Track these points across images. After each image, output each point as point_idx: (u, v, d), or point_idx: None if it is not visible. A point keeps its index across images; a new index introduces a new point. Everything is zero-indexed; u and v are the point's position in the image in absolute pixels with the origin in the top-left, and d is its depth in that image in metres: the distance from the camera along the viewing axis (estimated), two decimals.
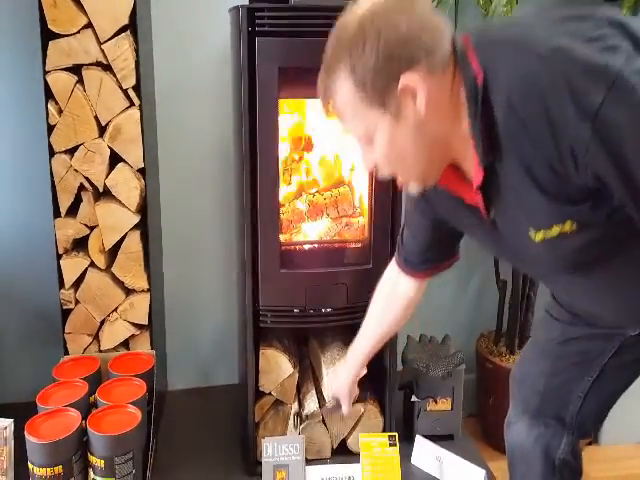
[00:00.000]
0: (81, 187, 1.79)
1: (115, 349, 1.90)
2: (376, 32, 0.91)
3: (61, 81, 1.70)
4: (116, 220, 1.80)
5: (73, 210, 1.80)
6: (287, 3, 1.73)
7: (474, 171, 0.98)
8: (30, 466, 1.51)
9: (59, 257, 1.81)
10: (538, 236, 0.97)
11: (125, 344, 1.91)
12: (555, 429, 1.36)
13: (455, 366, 1.93)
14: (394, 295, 1.45)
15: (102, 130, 1.76)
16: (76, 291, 1.84)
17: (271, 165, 1.65)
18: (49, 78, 1.70)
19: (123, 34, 1.69)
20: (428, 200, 1.22)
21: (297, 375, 1.85)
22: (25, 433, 1.50)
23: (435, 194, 1.15)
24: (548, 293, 1.40)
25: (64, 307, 1.84)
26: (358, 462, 1.73)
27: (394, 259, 1.45)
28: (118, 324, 1.87)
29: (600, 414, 1.38)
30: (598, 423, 1.41)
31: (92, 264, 1.83)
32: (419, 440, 1.86)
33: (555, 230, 0.95)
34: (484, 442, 2.33)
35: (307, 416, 1.82)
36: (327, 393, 1.77)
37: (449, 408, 1.97)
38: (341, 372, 1.60)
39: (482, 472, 1.72)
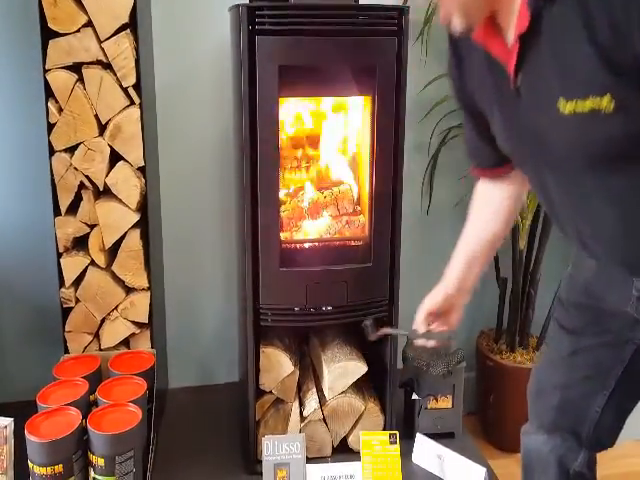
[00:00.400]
0: (81, 186, 1.78)
1: (115, 348, 1.90)
2: None
3: (61, 80, 1.70)
4: (116, 218, 1.80)
5: (73, 209, 1.80)
6: (287, 2, 1.73)
7: (518, 17, 0.94)
8: (30, 465, 1.51)
9: (59, 256, 1.81)
10: (568, 107, 0.91)
11: (125, 342, 1.91)
12: (571, 443, 1.34)
13: (455, 364, 1.93)
14: (487, 203, 1.39)
15: (102, 129, 1.76)
16: (76, 290, 1.84)
17: (271, 163, 1.65)
18: (49, 77, 1.69)
19: (123, 32, 1.69)
20: (462, 72, 1.19)
21: (298, 373, 1.85)
22: (25, 432, 1.50)
23: (468, 56, 1.14)
24: (554, 293, 1.37)
25: (64, 306, 1.84)
26: (359, 460, 1.73)
27: (474, 172, 1.41)
28: (118, 322, 1.87)
29: (617, 427, 1.34)
30: (614, 436, 1.36)
31: (92, 263, 1.83)
32: (420, 438, 1.86)
33: (589, 104, 0.89)
34: (485, 440, 2.34)
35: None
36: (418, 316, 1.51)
37: (450, 406, 1.97)
38: (443, 290, 1.46)
39: (483, 470, 1.72)
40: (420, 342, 1.49)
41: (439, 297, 1.43)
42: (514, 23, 0.97)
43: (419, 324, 1.45)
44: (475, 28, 1.04)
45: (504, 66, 1.02)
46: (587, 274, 1.24)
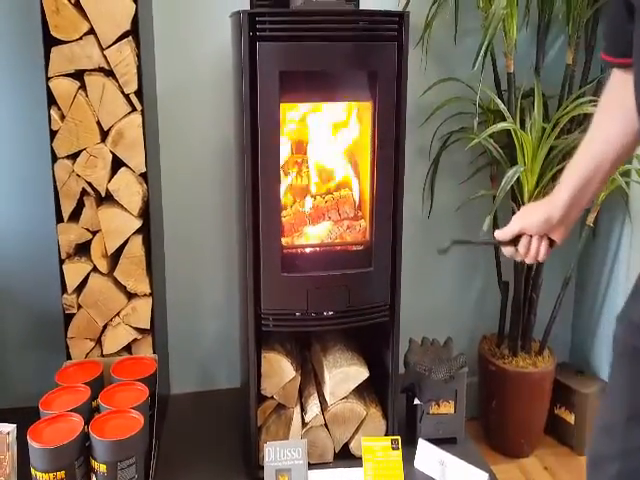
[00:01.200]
0: (83, 192, 1.79)
1: (117, 353, 1.90)
2: None
3: (63, 87, 1.71)
4: (118, 225, 1.80)
5: (75, 215, 1.81)
6: (288, 8, 1.74)
7: None
8: (33, 471, 1.51)
9: (61, 262, 1.82)
10: None
11: (127, 348, 1.91)
12: None
13: (457, 369, 1.93)
14: (616, 99, 1.18)
15: (104, 135, 1.77)
16: (78, 296, 1.84)
17: (273, 168, 1.65)
18: (51, 84, 1.70)
19: (125, 40, 1.70)
20: None
21: (299, 379, 1.85)
22: (28, 438, 1.50)
23: None
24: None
25: (66, 312, 1.84)
26: (361, 466, 1.73)
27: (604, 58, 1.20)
28: (120, 328, 1.87)
29: None
30: None
31: (94, 269, 1.83)
32: (422, 444, 1.86)
33: None
34: (487, 445, 2.34)
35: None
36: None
37: (452, 411, 1.97)
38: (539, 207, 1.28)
39: (485, 475, 1.72)
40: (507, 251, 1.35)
41: (538, 218, 1.26)
42: None
43: (506, 234, 1.31)
44: None
45: None
46: None
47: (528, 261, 1.33)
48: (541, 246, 1.30)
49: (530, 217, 1.28)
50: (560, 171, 2.04)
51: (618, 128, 1.17)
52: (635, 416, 1.06)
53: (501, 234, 1.32)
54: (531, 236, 1.29)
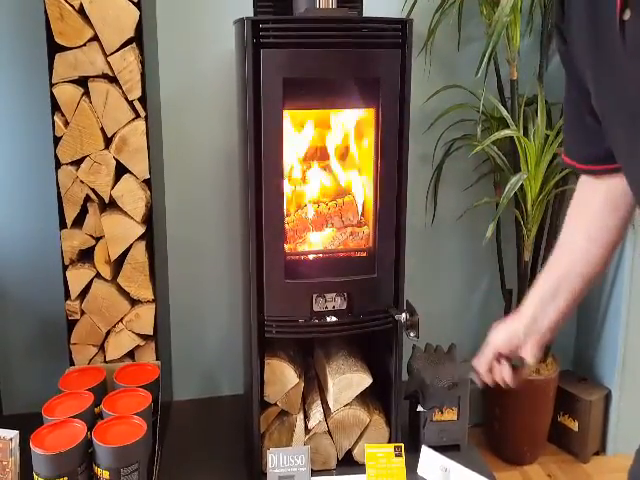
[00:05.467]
0: (87, 198, 1.79)
1: (120, 360, 1.90)
2: None
3: (67, 93, 1.71)
4: (122, 231, 1.80)
5: (79, 221, 1.81)
6: (291, 15, 1.75)
7: None
8: (35, 477, 1.50)
9: (65, 268, 1.82)
10: None
11: (130, 355, 1.91)
12: None
13: (461, 376, 1.93)
14: (585, 203, 1.07)
15: (108, 142, 1.77)
16: (82, 302, 1.84)
17: (276, 175, 1.65)
18: (55, 90, 1.71)
19: (129, 46, 1.71)
20: (568, 16, 0.92)
21: (302, 385, 1.85)
22: (31, 444, 1.49)
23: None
24: None
25: (70, 318, 1.84)
26: (364, 473, 1.72)
27: (566, 162, 1.08)
28: (123, 335, 1.87)
29: None
30: None
31: (98, 275, 1.83)
32: (425, 450, 1.85)
33: None
34: (490, 452, 2.33)
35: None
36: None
37: (455, 418, 1.96)
38: (514, 324, 1.15)
39: None
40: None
41: (505, 334, 1.15)
42: None
43: (482, 363, 1.20)
44: None
45: None
46: None
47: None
48: (503, 368, 1.18)
49: (497, 337, 1.17)
50: (563, 178, 2.07)
51: (582, 242, 1.06)
52: None
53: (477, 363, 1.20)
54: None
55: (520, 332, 1.13)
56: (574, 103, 1.00)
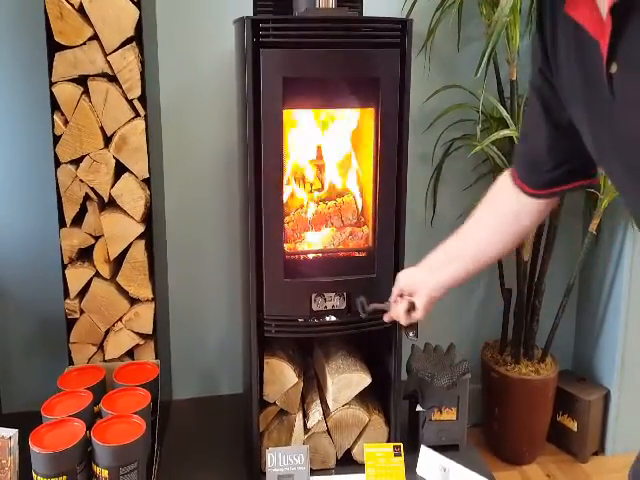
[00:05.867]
0: (86, 197, 1.79)
1: (120, 359, 1.90)
2: None
3: (67, 92, 1.71)
4: (121, 230, 1.80)
5: (78, 220, 1.81)
6: (291, 14, 1.75)
7: None
8: (34, 476, 1.50)
9: (64, 267, 1.82)
10: None
11: (130, 354, 1.92)
12: None
13: (460, 375, 1.93)
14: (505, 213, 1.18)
15: (107, 140, 1.77)
16: (81, 301, 1.84)
17: (275, 174, 1.65)
18: (55, 89, 1.71)
19: (129, 45, 1.71)
20: (553, 58, 0.94)
21: (302, 385, 1.85)
22: (30, 443, 1.50)
23: (560, 34, 0.91)
24: None
25: (69, 317, 1.84)
26: (363, 472, 1.72)
27: (509, 175, 1.16)
28: (123, 334, 1.87)
29: None
30: None
31: (97, 274, 1.83)
32: (424, 450, 1.86)
33: None
34: (489, 452, 2.33)
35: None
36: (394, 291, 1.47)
37: (454, 418, 1.96)
38: (417, 271, 1.36)
39: None
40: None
41: (406, 277, 1.39)
42: None
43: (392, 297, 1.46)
44: None
45: (595, 44, 0.80)
46: None
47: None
48: (400, 306, 1.41)
49: (403, 274, 1.40)
50: None
51: (486, 235, 1.22)
52: None
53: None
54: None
55: (417, 279, 1.35)
56: (540, 134, 1.04)
